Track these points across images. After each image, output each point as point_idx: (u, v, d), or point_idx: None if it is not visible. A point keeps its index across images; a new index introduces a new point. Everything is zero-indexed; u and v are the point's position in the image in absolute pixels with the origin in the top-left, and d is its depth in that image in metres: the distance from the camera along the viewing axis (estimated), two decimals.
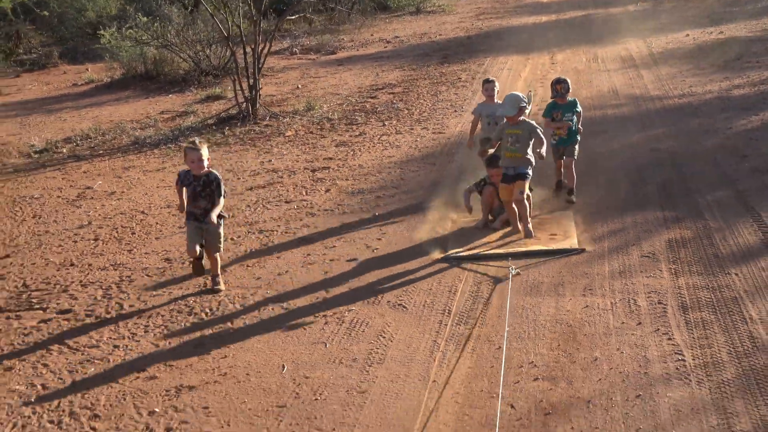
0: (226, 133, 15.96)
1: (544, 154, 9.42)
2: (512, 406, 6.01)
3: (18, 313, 8.46)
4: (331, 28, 32.14)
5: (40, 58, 29.11)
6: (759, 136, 12.41)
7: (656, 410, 5.79)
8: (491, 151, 9.75)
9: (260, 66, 16.81)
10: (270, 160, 13.75)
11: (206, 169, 8.53)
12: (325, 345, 7.18)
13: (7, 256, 10.20)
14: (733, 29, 23.23)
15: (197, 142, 8.48)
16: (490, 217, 10.10)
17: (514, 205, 9.42)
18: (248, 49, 17.06)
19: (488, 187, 9.90)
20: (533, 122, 9.33)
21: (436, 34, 28.76)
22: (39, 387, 6.95)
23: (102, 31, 23.84)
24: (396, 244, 9.40)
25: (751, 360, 6.32)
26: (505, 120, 9.53)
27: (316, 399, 6.35)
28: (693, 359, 6.44)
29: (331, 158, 13.54)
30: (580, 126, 10.99)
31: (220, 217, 8.58)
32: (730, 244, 8.59)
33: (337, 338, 7.31)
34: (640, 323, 7.12)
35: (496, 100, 10.97)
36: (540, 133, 9.36)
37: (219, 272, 8.88)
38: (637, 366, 6.42)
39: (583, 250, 8.89)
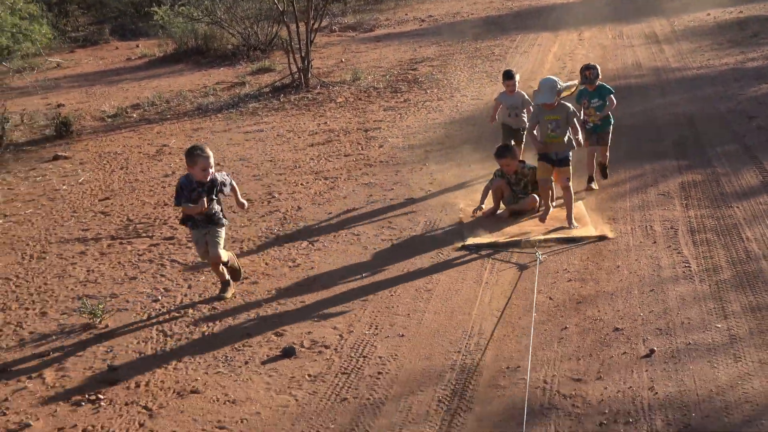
0: (281, 99, 17.64)
1: (582, 141, 9.66)
2: (550, 298, 7.70)
3: (129, 240, 10.18)
4: (366, 8, 33.72)
5: (91, 35, 30.89)
6: (767, 101, 13.99)
7: (665, 299, 7.45)
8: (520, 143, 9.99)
9: (312, 39, 18.49)
10: (325, 122, 15.43)
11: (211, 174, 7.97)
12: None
13: (107, 198, 11.92)
14: (753, 9, 24.68)
15: (205, 148, 7.99)
16: (500, 209, 10.18)
17: (562, 192, 9.57)
18: (298, 25, 18.68)
19: (497, 180, 10.01)
20: (570, 105, 9.30)
21: (468, 14, 30.33)
22: (161, 289, 8.65)
23: (155, 9, 25.55)
24: (446, 185, 11.05)
25: (744, 266, 7.95)
26: (540, 105, 9.38)
27: (392, 295, 8.07)
28: (697, 266, 8.08)
29: (380, 120, 15.22)
30: (610, 111, 10.81)
31: (220, 220, 8.33)
32: (734, 185, 10.21)
33: (406, 252, 9.00)
34: (655, 242, 8.75)
35: (517, 91, 11.22)
36: (576, 119, 9.35)
37: (228, 277, 8.49)
38: (651, 271, 8.07)
39: (604, 237, 8.93)
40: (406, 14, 31.50)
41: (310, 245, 9.30)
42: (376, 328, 7.18)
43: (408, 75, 19.12)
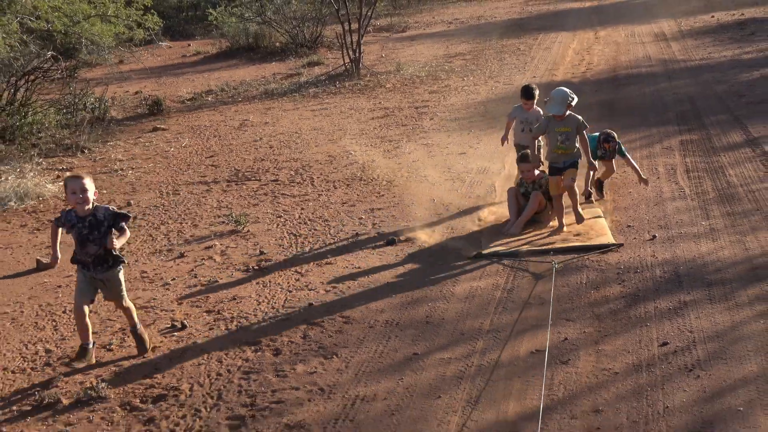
0: (337, 86, 20.63)
1: (592, 162, 9.80)
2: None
3: (242, 183, 13.10)
4: (395, 12, 36.76)
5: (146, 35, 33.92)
6: (756, 83, 16.93)
7: (665, 209, 10.30)
8: (539, 151, 10.08)
9: (363, 33, 21.57)
10: (380, 102, 18.40)
11: (91, 205, 6.99)
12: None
13: (212, 156, 14.91)
14: (753, 12, 27.58)
15: (78, 172, 6.76)
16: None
17: (566, 193, 9.61)
18: (350, 22, 21.71)
19: (512, 188, 10.07)
20: (579, 117, 9.44)
21: (491, 17, 33.32)
22: (281, 210, 11.59)
23: (211, 10, 28.61)
24: (489, 146, 13.88)
25: (724, 191, 10.71)
26: (551, 115, 9.46)
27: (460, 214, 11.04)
28: (689, 191, 10.93)
29: (427, 100, 18.21)
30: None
31: (119, 262, 7.22)
32: (722, 142, 13.11)
33: (464, 187, 11.92)
34: (658, 177, 11.60)
35: (534, 107, 10.78)
36: (585, 131, 9.46)
37: (137, 322, 7.45)
38: (655, 194, 10.91)
39: (621, 245, 8.94)
40: (433, 17, 34.50)
41: (389, 184, 12.17)
42: (452, 229, 10.05)
43: (445, 66, 22.08)
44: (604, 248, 8.80)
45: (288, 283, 8.62)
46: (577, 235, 9.39)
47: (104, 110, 17.72)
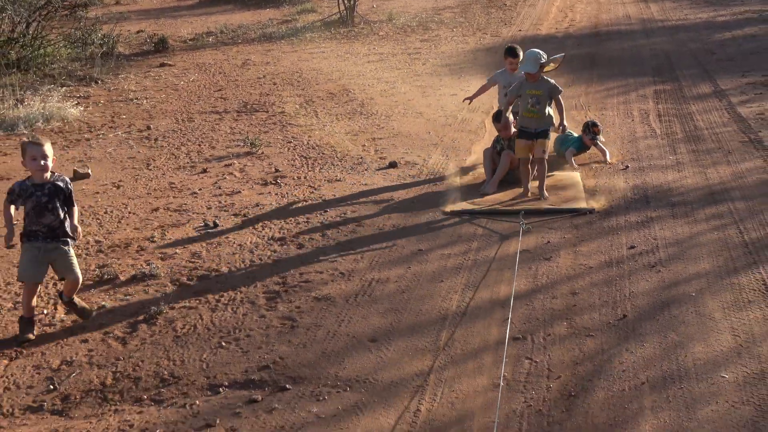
0: (332, 32, 21.78)
1: (566, 124, 9.61)
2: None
3: (251, 113, 14.26)
4: None
5: None
6: (727, 43, 18.25)
7: (637, 146, 11.50)
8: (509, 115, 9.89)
9: None
10: (374, 48, 19.58)
11: (50, 172, 6.69)
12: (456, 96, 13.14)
13: (220, 89, 16.09)
14: None
15: (38, 137, 6.77)
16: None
17: (535, 164, 9.55)
18: None
19: (488, 149, 10.11)
20: (553, 81, 9.41)
21: None
22: (290, 137, 12.87)
23: None
24: (476, 87, 15.17)
25: (691, 132, 11.93)
26: (523, 74, 9.47)
27: (454, 140, 12.35)
28: (660, 131, 12.22)
29: (419, 48, 19.41)
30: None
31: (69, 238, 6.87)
32: (693, 92, 14.41)
33: (456, 123, 13.18)
34: (632, 120, 12.87)
35: (519, 70, 10.20)
36: (560, 94, 9.40)
37: (74, 295, 7.06)
38: (629, 134, 12.12)
39: (593, 211, 8.92)
40: None
41: (387, 118, 13.41)
42: (447, 157, 11.33)
43: (435, 18, 23.25)
44: (575, 212, 8.87)
45: (303, 194, 9.85)
46: (552, 196, 9.47)
47: (112, 46, 18.74)
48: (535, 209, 8.94)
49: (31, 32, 17.79)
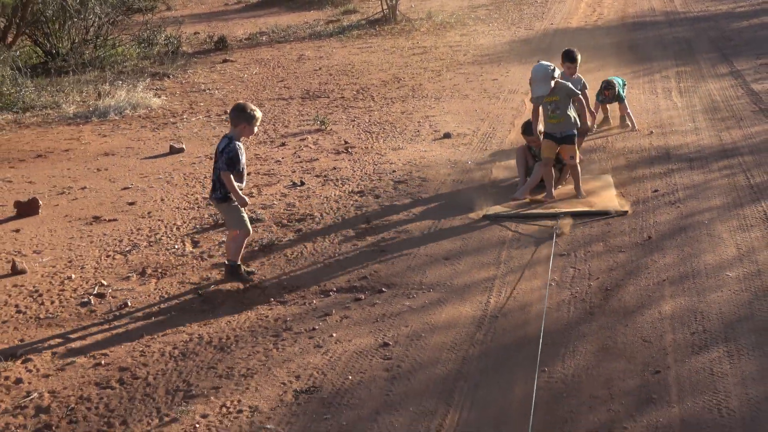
0: (377, 29, 23.56)
1: (588, 123, 10.12)
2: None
3: (314, 99, 16.05)
4: None
5: None
6: (744, 30, 19.90)
7: (660, 116, 13.18)
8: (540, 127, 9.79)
9: None
10: (417, 43, 21.38)
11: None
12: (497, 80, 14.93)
13: (282, 80, 17.96)
14: None
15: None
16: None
17: (567, 170, 9.83)
18: None
19: (521, 147, 10.17)
20: (568, 83, 9.61)
21: None
22: (353, 117, 14.72)
23: None
24: (516, 74, 16.75)
25: (709, 105, 13.59)
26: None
27: (498, 114, 14.17)
28: (681, 105, 13.85)
29: (459, 41, 21.18)
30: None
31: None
32: (711, 72, 16.07)
33: (499, 102, 15.00)
34: (656, 96, 14.59)
35: (577, 74, 10.97)
36: (576, 90, 9.57)
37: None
38: (653, 107, 13.82)
39: (626, 212, 8.99)
40: None
41: (437, 100, 15.18)
42: (494, 128, 13.12)
43: (471, 14, 24.99)
44: (608, 215, 8.97)
45: (372, 159, 11.61)
46: (584, 199, 9.53)
47: (177, 45, 20.66)
48: (567, 212, 9.06)
49: (102, 34, 19.66)
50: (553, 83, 9.22)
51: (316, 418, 5.65)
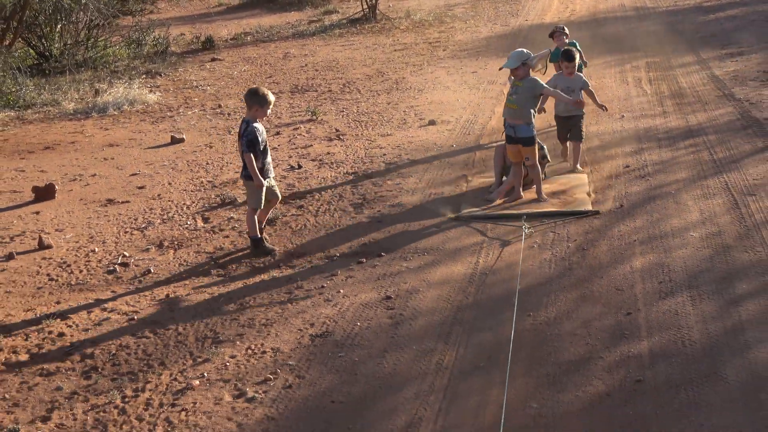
0: (358, 28, 24.42)
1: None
2: None
3: (303, 93, 16.91)
4: None
5: None
6: (711, 23, 20.87)
7: (631, 103, 14.14)
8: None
9: None
10: (398, 39, 22.25)
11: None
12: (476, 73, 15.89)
13: (270, 76, 18.80)
14: None
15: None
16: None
17: (525, 170, 9.61)
18: None
19: (499, 146, 10.09)
20: (538, 79, 9.49)
21: None
22: (342, 107, 15.65)
23: None
24: (494, 68, 17.50)
25: (676, 91, 14.52)
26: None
27: (479, 103, 15.13)
28: (650, 92, 14.80)
29: (438, 38, 22.09)
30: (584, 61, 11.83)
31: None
32: (678, 62, 17.04)
33: (479, 93, 15.95)
34: (627, 84, 15.56)
35: (576, 73, 10.84)
36: (543, 86, 9.47)
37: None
38: (624, 94, 14.73)
39: (597, 212, 8.97)
40: None
41: (420, 91, 16.06)
42: (475, 116, 14.06)
43: (448, 12, 25.91)
44: (579, 214, 8.96)
45: (363, 145, 12.47)
46: (556, 198, 9.62)
47: (166, 45, 21.50)
48: (538, 212, 9.07)
49: (93, 36, 20.49)
50: (525, 73, 9.33)
51: (331, 355, 6.49)
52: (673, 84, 14.52)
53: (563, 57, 10.47)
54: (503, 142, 9.82)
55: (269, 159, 8.74)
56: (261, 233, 8.64)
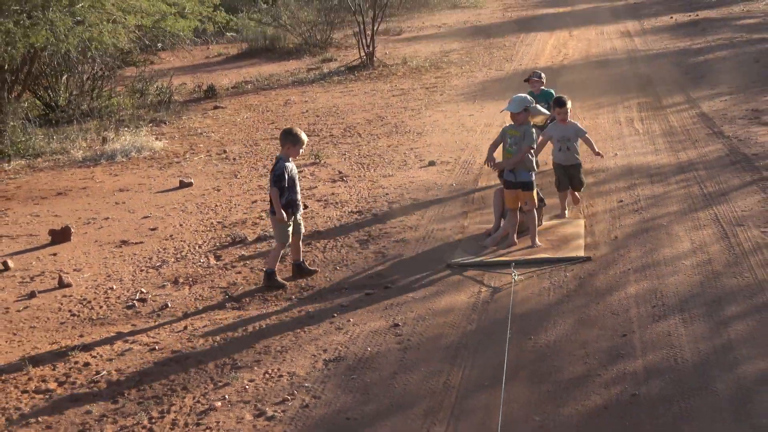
0: (356, 74, 25.02)
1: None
2: None
3: None
4: (387, 19, 40.91)
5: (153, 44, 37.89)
6: (700, 64, 21.48)
7: (624, 141, 14.65)
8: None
9: (375, 31, 26.15)
10: (396, 85, 22.83)
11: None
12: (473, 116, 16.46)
13: (272, 122, 19.37)
14: (707, 13, 32.32)
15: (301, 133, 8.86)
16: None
17: (520, 216, 9.63)
18: (365, 21, 26.27)
19: (498, 189, 10.01)
20: (533, 130, 9.50)
21: (476, 21, 37.79)
22: (344, 151, 16.20)
23: (233, 17, 33.13)
24: (491, 110, 18.07)
25: (667, 130, 15.09)
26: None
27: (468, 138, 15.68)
28: (642, 131, 15.26)
29: (434, 83, 22.68)
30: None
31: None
32: (669, 102, 17.59)
33: (476, 135, 16.53)
34: (619, 124, 16.04)
35: (569, 120, 10.69)
36: (532, 135, 9.44)
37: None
38: (617, 133, 15.19)
39: (588, 259, 8.96)
40: (423, 23, 38.95)
41: (419, 134, 16.54)
42: (473, 157, 14.60)
43: (444, 59, 26.49)
44: (570, 261, 8.97)
45: (366, 186, 12.95)
46: (549, 245, 9.66)
47: (169, 94, 22.11)
48: (529, 260, 9.08)
49: (97, 86, 21.14)
50: (524, 119, 9.38)
51: (344, 378, 6.93)
52: (664, 123, 15.00)
53: (555, 103, 10.34)
54: (501, 187, 9.81)
55: (298, 197, 9.18)
56: (296, 269, 9.37)
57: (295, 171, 8.96)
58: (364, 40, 25.25)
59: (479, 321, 7.73)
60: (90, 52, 18.53)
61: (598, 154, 10.65)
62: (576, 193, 10.60)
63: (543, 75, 12.07)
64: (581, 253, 9.03)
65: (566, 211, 10.58)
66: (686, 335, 7.11)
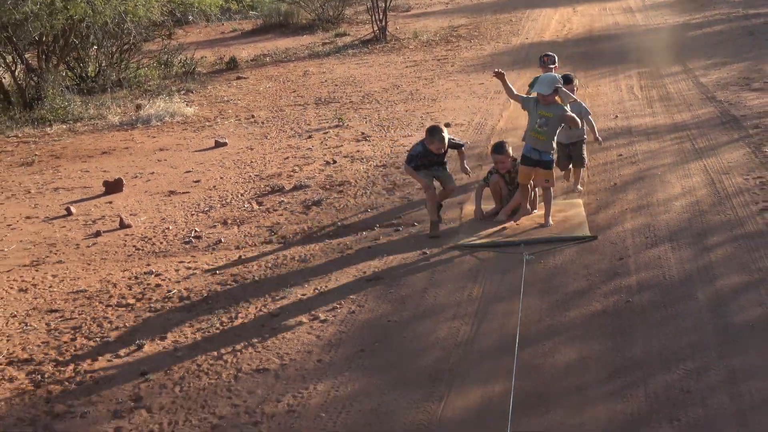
0: (370, 48, 26.27)
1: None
2: None
3: (325, 104, 18.90)
4: None
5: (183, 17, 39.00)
6: (698, 38, 22.63)
7: (624, 105, 15.96)
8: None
9: (388, 5, 27.43)
10: (408, 57, 24.08)
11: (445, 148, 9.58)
12: (483, 84, 17.80)
13: (294, 91, 20.72)
14: None
15: (443, 130, 9.69)
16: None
17: (537, 191, 9.76)
18: None
19: (495, 176, 9.97)
20: (567, 108, 9.44)
21: None
22: (365, 116, 17.52)
23: None
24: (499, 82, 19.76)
25: (664, 96, 16.33)
26: (536, 95, 9.35)
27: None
28: (641, 97, 16.64)
29: (445, 55, 23.96)
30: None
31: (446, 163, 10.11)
32: (667, 72, 18.79)
33: (487, 101, 17.85)
34: (620, 91, 17.27)
35: (575, 99, 10.25)
36: (569, 113, 9.34)
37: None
38: (618, 99, 16.41)
39: (595, 237, 9.01)
40: (431, 0, 40.35)
41: (434, 101, 17.83)
42: (485, 119, 15.84)
43: (453, 33, 27.76)
44: (577, 240, 9.02)
45: (388, 144, 14.23)
46: (554, 223, 9.67)
47: (193, 66, 23.43)
48: (536, 239, 9.13)
49: (125, 58, 22.49)
50: (555, 97, 9.21)
51: (383, 292, 8.26)
52: (661, 90, 16.22)
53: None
54: (497, 178, 10.07)
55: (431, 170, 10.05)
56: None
57: (425, 157, 10.06)
58: (376, 15, 26.13)
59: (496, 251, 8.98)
60: (125, 23, 19.62)
61: (597, 139, 10.76)
62: (578, 171, 10.78)
63: (557, 57, 11.70)
64: (587, 232, 9.17)
65: (578, 185, 10.82)
66: (674, 258, 8.38)
